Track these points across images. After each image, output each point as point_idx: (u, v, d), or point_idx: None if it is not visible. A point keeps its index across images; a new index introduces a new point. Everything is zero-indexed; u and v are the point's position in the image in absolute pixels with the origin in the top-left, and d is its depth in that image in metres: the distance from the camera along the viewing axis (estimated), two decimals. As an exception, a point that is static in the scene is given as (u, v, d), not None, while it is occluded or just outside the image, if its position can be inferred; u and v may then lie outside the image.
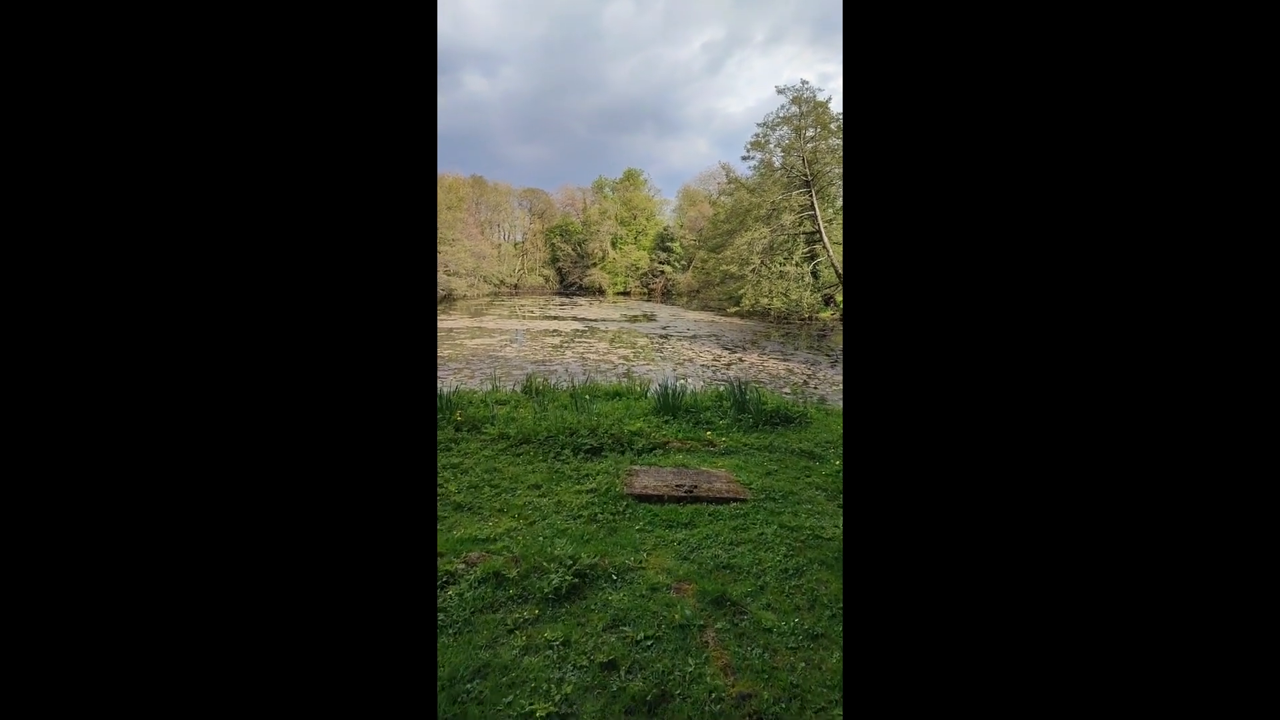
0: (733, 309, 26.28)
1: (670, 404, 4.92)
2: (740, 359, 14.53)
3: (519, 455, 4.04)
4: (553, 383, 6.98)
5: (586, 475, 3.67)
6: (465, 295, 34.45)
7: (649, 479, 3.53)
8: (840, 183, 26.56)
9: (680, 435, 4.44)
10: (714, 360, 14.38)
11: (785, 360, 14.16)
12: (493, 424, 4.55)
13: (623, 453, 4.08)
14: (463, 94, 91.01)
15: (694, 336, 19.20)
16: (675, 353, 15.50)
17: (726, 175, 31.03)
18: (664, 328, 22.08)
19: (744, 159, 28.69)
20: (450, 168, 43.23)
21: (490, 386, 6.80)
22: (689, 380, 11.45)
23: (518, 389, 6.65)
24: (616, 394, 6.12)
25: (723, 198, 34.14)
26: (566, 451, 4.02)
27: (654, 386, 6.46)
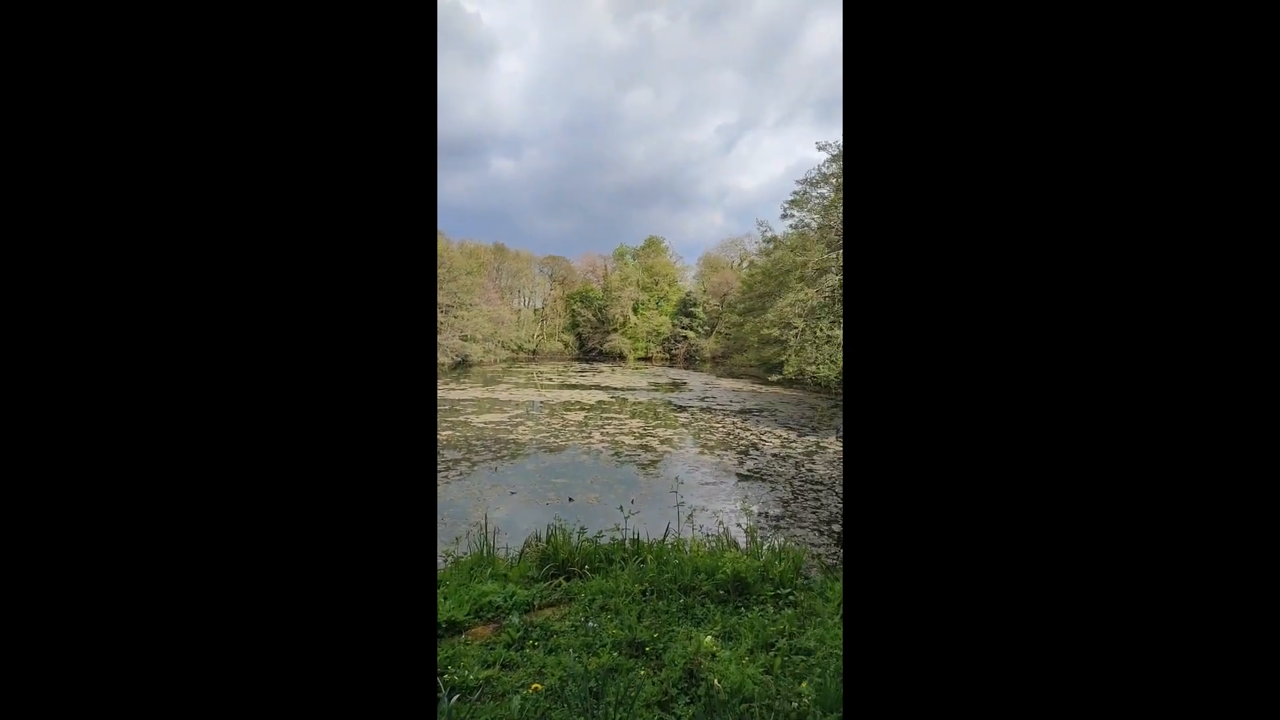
0: (774, 377, 23.59)
1: None
2: (817, 444, 11.22)
3: None
4: (578, 520, 3.79)
5: None
6: (481, 361, 32.68)
7: None
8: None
9: None
10: (782, 446, 11.09)
11: (880, 448, 10.77)
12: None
13: None
14: (490, 174, 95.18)
15: (743, 411, 15.99)
16: (732, 435, 12.22)
17: (762, 235, 29.22)
18: (701, 399, 19.01)
19: (783, 217, 26.73)
20: (476, 240, 42.90)
21: (479, 548, 3.58)
22: (775, 482, 8.17)
23: (530, 544, 3.46)
24: (738, 587, 2.89)
25: (758, 259, 32.43)
26: None
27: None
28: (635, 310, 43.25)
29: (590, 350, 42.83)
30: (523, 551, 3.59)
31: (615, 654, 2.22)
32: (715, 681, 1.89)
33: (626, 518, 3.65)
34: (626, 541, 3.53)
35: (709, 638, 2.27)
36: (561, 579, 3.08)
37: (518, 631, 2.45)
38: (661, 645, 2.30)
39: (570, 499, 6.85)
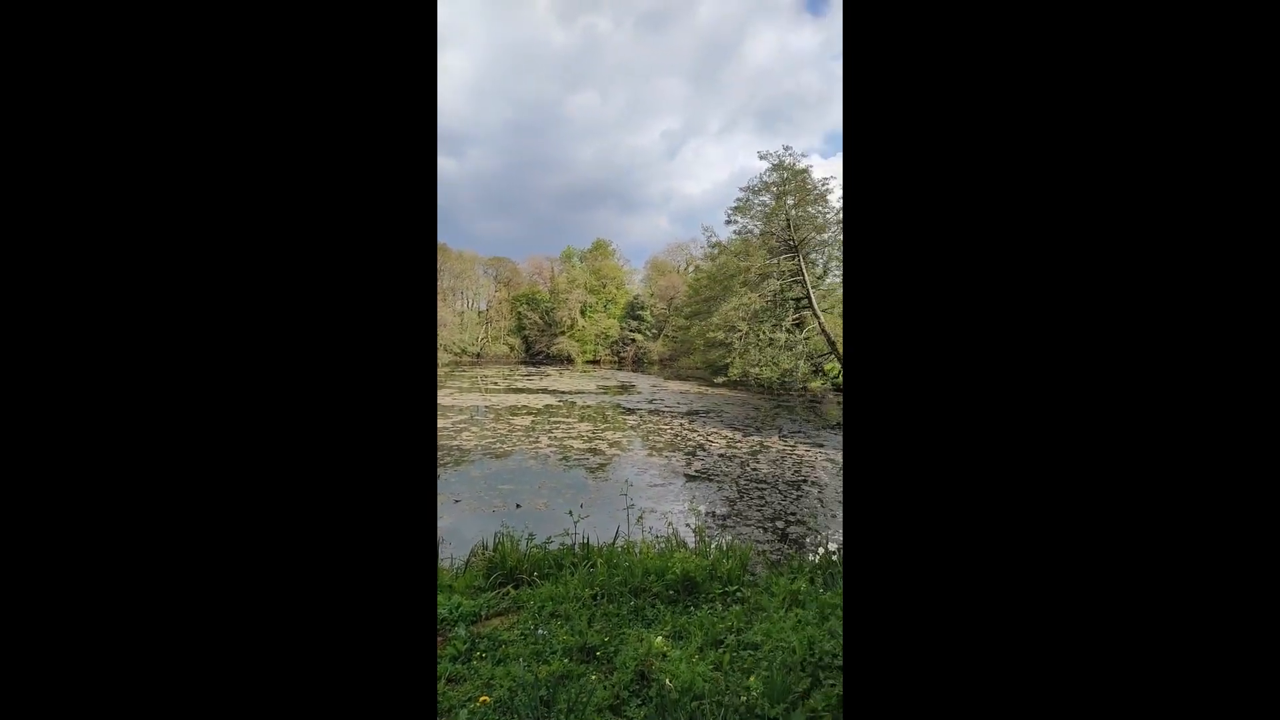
0: (719, 379, 24.27)
1: None
2: (761, 444, 11.58)
3: None
4: (526, 526, 3.73)
5: None
6: (419, 365, 31.34)
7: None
8: (819, 250, 25.85)
9: None
10: (727, 446, 11.36)
11: (819, 446, 11.25)
12: None
13: None
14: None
15: (690, 413, 16.25)
16: (680, 437, 12.38)
17: (707, 240, 29.93)
18: (650, 401, 19.14)
19: (727, 223, 27.58)
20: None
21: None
22: (722, 482, 8.35)
23: (476, 552, 3.36)
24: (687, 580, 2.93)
25: (703, 263, 33.15)
26: None
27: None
28: (583, 313, 42.92)
29: (537, 353, 42.10)
30: (468, 561, 3.47)
31: (566, 661, 2.19)
32: (666, 681, 1.91)
33: (576, 522, 3.62)
34: (576, 546, 3.50)
35: (659, 638, 2.29)
36: (510, 587, 3.01)
37: (464, 643, 2.36)
38: (613, 649, 2.29)
39: (518, 505, 6.69)
